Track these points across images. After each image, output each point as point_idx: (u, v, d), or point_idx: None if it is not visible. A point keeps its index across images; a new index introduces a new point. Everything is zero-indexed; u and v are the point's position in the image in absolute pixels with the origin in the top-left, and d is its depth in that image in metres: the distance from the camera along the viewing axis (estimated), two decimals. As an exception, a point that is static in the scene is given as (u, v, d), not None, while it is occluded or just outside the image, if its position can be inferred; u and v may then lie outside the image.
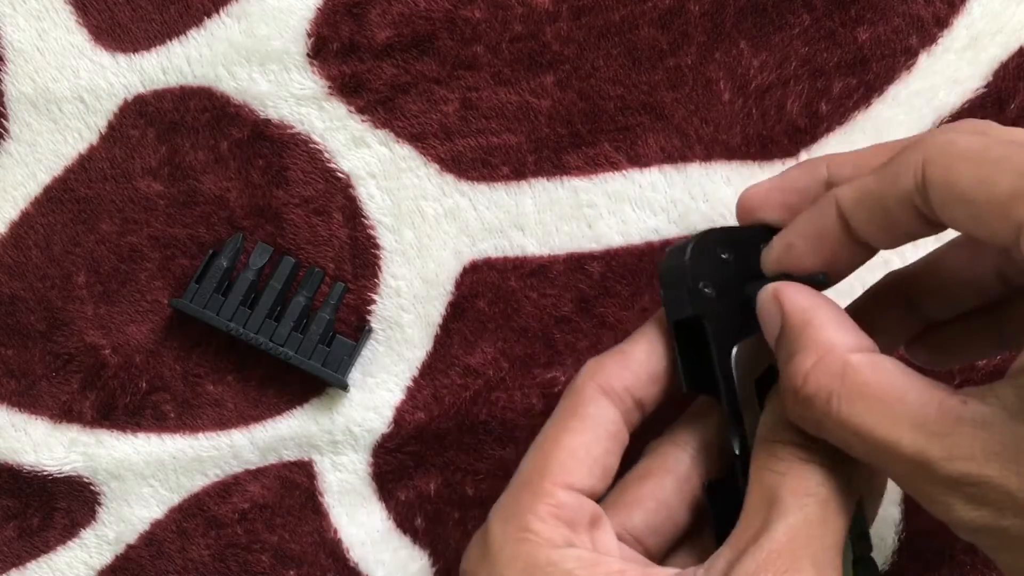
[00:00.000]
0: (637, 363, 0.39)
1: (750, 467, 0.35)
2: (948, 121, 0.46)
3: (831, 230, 0.35)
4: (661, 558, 0.39)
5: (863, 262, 0.36)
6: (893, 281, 0.40)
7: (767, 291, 0.36)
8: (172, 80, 0.48)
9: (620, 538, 0.37)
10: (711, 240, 0.38)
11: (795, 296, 0.35)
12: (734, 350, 0.37)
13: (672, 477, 0.38)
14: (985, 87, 0.46)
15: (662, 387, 0.39)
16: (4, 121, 0.48)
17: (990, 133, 0.32)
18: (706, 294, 0.37)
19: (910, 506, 0.46)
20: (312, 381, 0.47)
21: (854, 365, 0.32)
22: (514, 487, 0.37)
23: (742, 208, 0.39)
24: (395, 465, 0.47)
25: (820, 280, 0.36)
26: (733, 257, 0.38)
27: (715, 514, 0.37)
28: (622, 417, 0.38)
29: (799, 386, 0.33)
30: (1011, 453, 0.28)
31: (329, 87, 0.47)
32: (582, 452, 0.37)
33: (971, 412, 0.30)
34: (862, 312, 0.37)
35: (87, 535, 0.48)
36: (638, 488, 0.38)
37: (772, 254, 0.37)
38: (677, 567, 0.36)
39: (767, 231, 0.39)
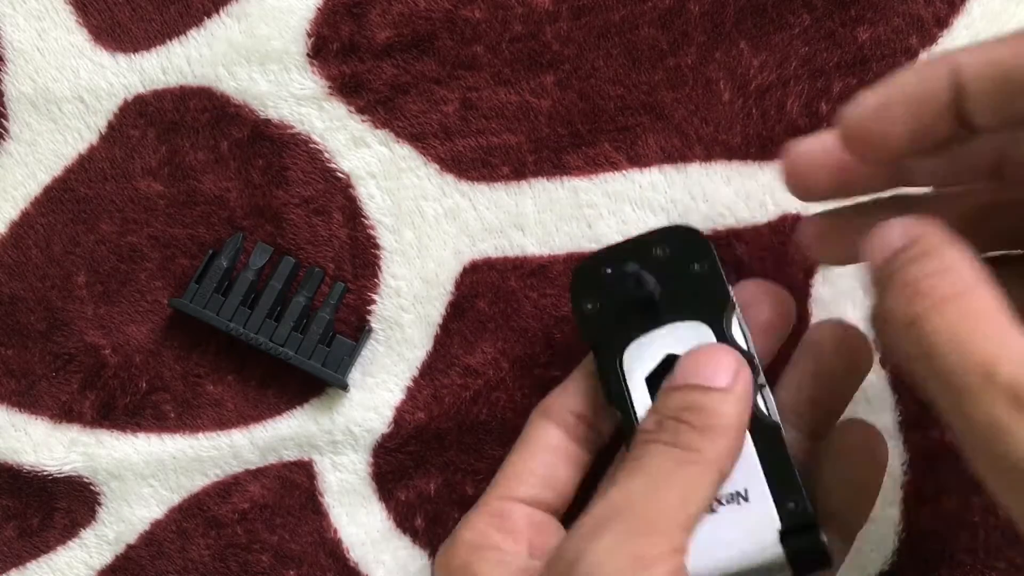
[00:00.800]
0: (574, 385, 0.42)
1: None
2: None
3: (939, 99, 0.31)
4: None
5: (944, 150, 0.33)
6: None
7: (894, 222, 0.32)
8: (172, 80, 0.48)
9: (530, 503, 0.41)
10: (593, 263, 0.41)
11: (931, 224, 0.31)
12: (625, 354, 0.40)
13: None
14: (985, 87, 0.46)
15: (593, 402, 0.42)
16: (4, 121, 0.48)
17: None
18: (588, 311, 0.41)
19: (910, 506, 0.45)
20: (312, 381, 0.47)
21: (983, 290, 0.30)
22: (470, 511, 0.42)
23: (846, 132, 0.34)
24: (395, 465, 0.47)
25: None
26: (613, 269, 0.41)
27: None
28: (566, 433, 0.41)
29: (920, 279, 0.30)
30: None
31: (329, 87, 0.47)
32: (519, 467, 0.41)
33: None
34: None
35: (87, 535, 0.48)
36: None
37: (856, 109, 0.33)
38: None
39: (657, 234, 0.41)
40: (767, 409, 0.38)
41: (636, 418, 0.39)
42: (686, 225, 0.41)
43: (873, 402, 0.45)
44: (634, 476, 0.35)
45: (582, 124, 0.46)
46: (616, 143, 0.46)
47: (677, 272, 0.40)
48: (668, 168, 0.46)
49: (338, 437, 0.47)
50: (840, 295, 0.45)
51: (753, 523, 0.36)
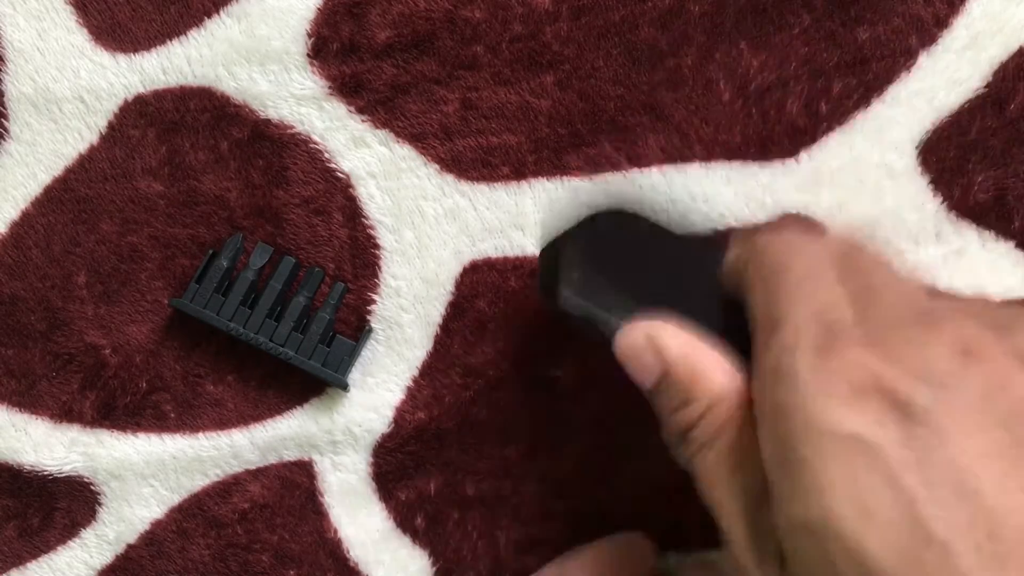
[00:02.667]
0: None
1: None
2: (948, 122, 0.46)
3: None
4: None
5: None
6: None
7: (637, 334, 0.36)
8: (172, 80, 0.48)
9: None
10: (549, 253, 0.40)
11: (673, 341, 0.36)
12: None
13: None
14: (985, 87, 0.46)
15: None
16: (4, 121, 0.48)
17: None
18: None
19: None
20: (312, 381, 0.47)
21: (735, 421, 0.33)
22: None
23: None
24: (395, 465, 0.47)
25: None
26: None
27: None
28: None
29: (689, 427, 0.34)
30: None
31: (329, 87, 0.47)
32: None
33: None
34: None
35: (87, 535, 0.48)
36: None
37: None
38: None
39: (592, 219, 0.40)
40: None
41: None
42: (606, 212, 0.40)
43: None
44: None
45: (582, 124, 0.46)
46: (616, 143, 0.46)
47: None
48: (668, 168, 0.46)
49: (338, 437, 0.47)
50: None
51: None
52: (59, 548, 0.48)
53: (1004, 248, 0.45)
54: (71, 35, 0.48)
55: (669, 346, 0.35)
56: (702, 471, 0.33)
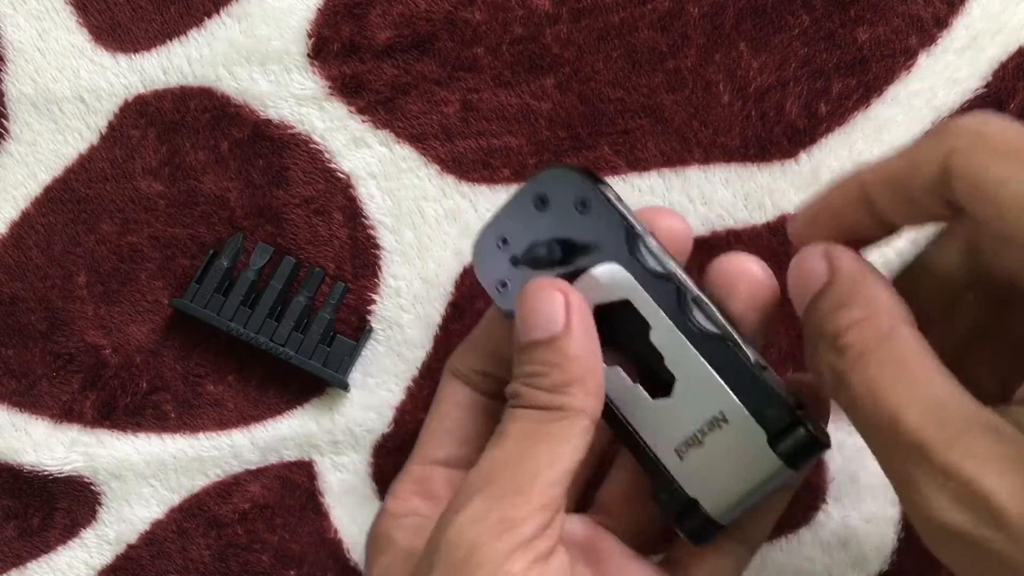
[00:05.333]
0: (476, 340, 0.42)
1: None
2: (947, 121, 0.46)
3: (855, 208, 0.34)
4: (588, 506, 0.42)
5: (886, 236, 0.35)
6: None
7: (812, 250, 0.35)
8: (172, 80, 0.48)
9: (454, 463, 0.41)
10: (486, 239, 0.39)
11: (848, 255, 0.34)
12: None
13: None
14: (984, 87, 0.46)
15: (507, 357, 0.39)
16: (5, 121, 0.48)
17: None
18: (501, 289, 0.39)
19: (909, 506, 0.46)
20: (312, 381, 0.47)
21: (901, 335, 0.31)
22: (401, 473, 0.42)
23: (796, 238, 0.37)
24: (396, 465, 0.47)
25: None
26: (511, 237, 0.39)
27: None
28: (473, 389, 0.41)
29: (841, 332, 0.32)
30: (1011, 465, 0.28)
31: (329, 87, 0.47)
32: (435, 428, 0.42)
33: (986, 417, 0.29)
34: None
35: (87, 535, 0.48)
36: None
37: (797, 224, 0.37)
38: None
39: (535, 185, 0.38)
40: (710, 322, 0.36)
41: None
42: (560, 167, 0.38)
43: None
44: (499, 444, 0.35)
45: (582, 127, 0.46)
46: (616, 146, 0.46)
47: (570, 220, 0.38)
48: (667, 172, 0.46)
49: (339, 437, 0.47)
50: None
51: (741, 441, 0.36)
52: (59, 548, 0.48)
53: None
54: (71, 35, 0.48)
55: (842, 256, 0.34)
56: (867, 376, 0.31)
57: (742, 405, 0.36)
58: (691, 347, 0.36)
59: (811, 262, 0.34)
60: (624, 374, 0.37)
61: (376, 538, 0.40)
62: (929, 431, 0.29)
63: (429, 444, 0.41)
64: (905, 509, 0.31)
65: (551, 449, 0.35)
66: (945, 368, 0.31)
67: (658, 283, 0.37)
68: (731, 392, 0.36)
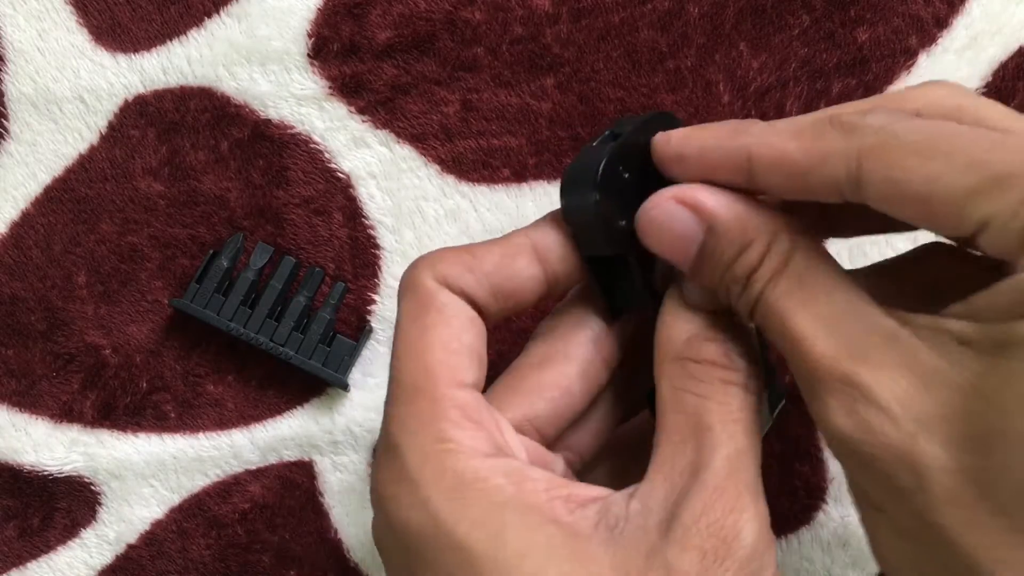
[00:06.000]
0: (487, 270, 0.34)
1: (659, 380, 0.33)
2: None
3: (731, 170, 0.32)
4: (553, 442, 0.36)
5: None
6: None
7: (662, 201, 0.33)
8: (172, 80, 0.48)
9: (520, 428, 0.35)
10: (615, 164, 0.34)
11: (711, 195, 0.32)
12: (656, 272, 0.35)
13: (575, 364, 0.35)
14: (984, 87, 0.46)
15: (523, 298, 0.35)
16: (5, 121, 0.48)
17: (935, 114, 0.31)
18: (622, 228, 0.34)
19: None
20: (312, 381, 0.47)
21: (798, 256, 0.31)
22: (402, 397, 0.33)
23: (659, 163, 0.35)
24: (395, 465, 0.47)
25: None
26: (631, 173, 0.34)
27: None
28: (477, 311, 0.34)
29: (748, 273, 0.31)
30: (902, 371, 0.28)
31: (329, 87, 0.47)
32: (455, 344, 0.33)
33: (885, 325, 0.29)
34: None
35: (87, 535, 0.48)
36: (539, 375, 0.35)
37: (669, 148, 0.34)
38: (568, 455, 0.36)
39: (661, 121, 0.35)
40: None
41: None
42: (667, 112, 0.36)
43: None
44: (736, 434, 0.32)
45: (582, 127, 0.46)
46: (616, 146, 0.46)
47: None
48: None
49: (339, 437, 0.47)
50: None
51: None
52: (59, 548, 0.48)
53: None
54: (71, 35, 0.48)
55: (705, 199, 0.32)
56: (772, 303, 0.31)
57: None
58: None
59: (677, 219, 0.32)
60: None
61: (468, 487, 0.31)
62: (827, 345, 0.29)
63: (453, 363, 0.33)
64: (818, 428, 0.31)
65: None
66: (847, 278, 0.31)
67: None
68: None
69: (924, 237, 0.32)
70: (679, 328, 0.34)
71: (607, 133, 0.35)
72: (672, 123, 0.35)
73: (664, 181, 0.34)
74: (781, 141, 0.31)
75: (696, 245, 0.32)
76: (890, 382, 0.28)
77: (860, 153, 0.30)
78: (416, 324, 0.33)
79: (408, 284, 0.34)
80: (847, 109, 0.32)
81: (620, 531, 0.30)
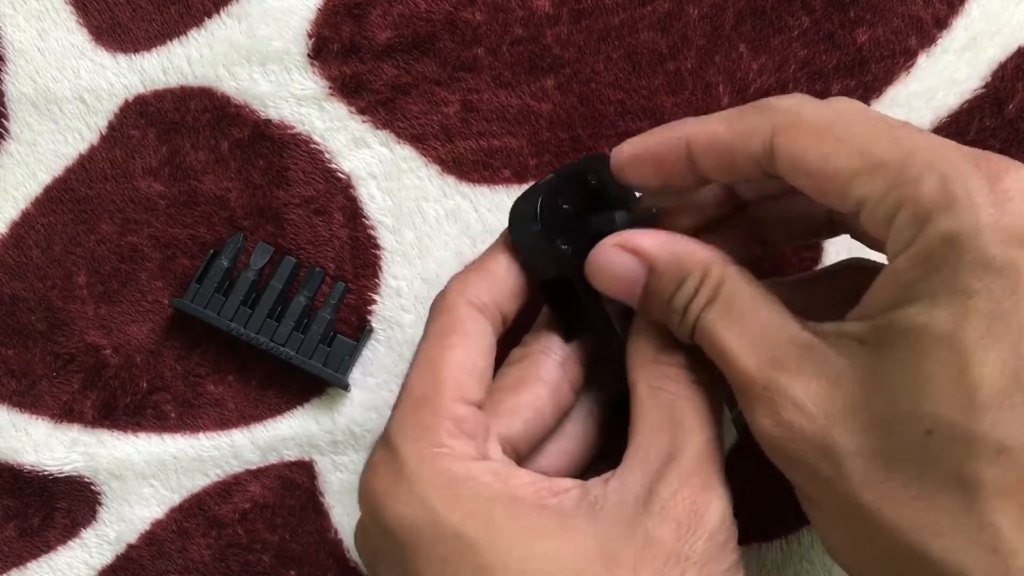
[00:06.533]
0: (500, 279, 0.39)
1: (636, 381, 0.37)
2: (947, 122, 0.46)
3: (676, 160, 0.37)
4: (524, 461, 0.40)
5: (700, 187, 0.39)
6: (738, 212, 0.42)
7: (607, 249, 0.37)
8: (173, 80, 0.48)
9: (480, 405, 0.38)
10: (553, 198, 0.38)
11: (647, 238, 0.37)
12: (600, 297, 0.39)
13: (545, 385, 0.39)
14: (984, 88, 0.46)
15: (522, 301, 0.40)
16: (5, 121, 0.48)
17: (838, 105, 0.35)
18: (563, 251, 0.38)
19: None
20: (313, 381, 0.47)
21: (728, 283, 0.35)
22: (409, 406, 0.36)
23: (618, 171, 0.39)
24: (395, 465, 0.47)
25: (655, 216, 0.38)
26: (572, 205, 0.39)
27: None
28: (494, 330, 0.39)
29: (685, 306, 0.36)
30: (815, 375, 0.32)
31: (330, 87, 0.47)
32: (469, 366, 0.37)
33: (803, 337, 0.33)
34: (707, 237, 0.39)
35: (88, 535, 0.48)
36: (516, 397, 0.39)
37: (623, 157, 0.39)
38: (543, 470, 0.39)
39: (596, 162, 0.40)
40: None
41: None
42: (604, 154, 0.40)
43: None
44: (704, 424, 0.36)
45: (582, 128, 0.46)
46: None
47: (613, 200, 0.40)
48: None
49: (339, 437, 0.47)
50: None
51: None
52: (59, 548, 0.48)
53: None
54: (71, 35, 0.48)
55: (644, 244, 0.37)
56: (706, 327, 0.35)
57: None
58: None
59: (621, 264, 0.37)
60: None
61: (460, 484, 0.34)
62: (750, 359, 0.34)
63: (462, 381, 0.37)
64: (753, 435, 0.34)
65: None
66: (770, 296, 0.35)
67: None
68: None
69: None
70: (654, 336, 0.38)
71: (551, 175, 0.40)
72: (606, 162, 0.39)
73: (601, 209, 0.39)
74: (712, 125, 0.36)
75: (640, 285, 0.37)
76: (804, 385, 0.32)
77: (774, 129, 0.34)
78: (441, 342, 0.38)
79: (442, 305, 0.39)
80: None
81: (600, 507, 0.34)
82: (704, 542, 0.33)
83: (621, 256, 0.37)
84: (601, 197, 0.40)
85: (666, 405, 0.36)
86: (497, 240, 0.40)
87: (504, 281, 0.39)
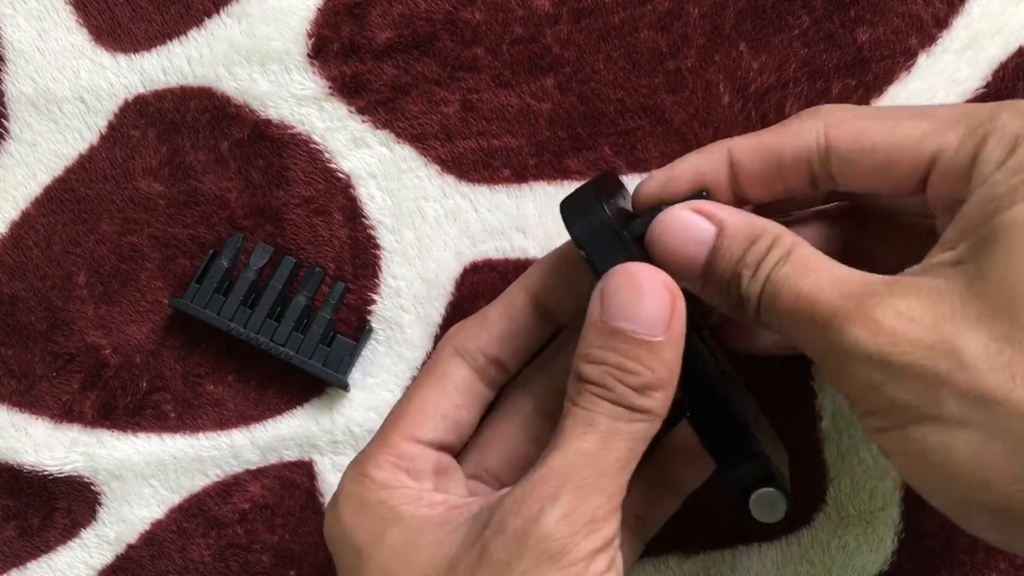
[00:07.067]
0: (489, 325, 0.41)
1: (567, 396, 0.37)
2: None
3: (716, 173, 0.38)
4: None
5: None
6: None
7: (679, 211, 0.37)
8: (172, 80, 0.48)
9: (478, 477, 0.42)
10: (603, 191, 0.39)
11: (718, 206, 0.37)
12: None
13: (518, 417, 0.42)
14: (984, 87, 0.46)
15: (521, 343, 0.41)
16: (5, 121, 0.48)
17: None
18: (627, 234, 0.38)
19: (910, 506, 0.46)
20: (312, 381, 0.47)
21: (800, 245, 0.35)
22: (371, 440, 0.41)
23: (643, 203, 0.40)
24: (395, 465, 0.47)
25: (703, 196, 0.38)
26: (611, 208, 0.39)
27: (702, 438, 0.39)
28: (477, 375, 0.41)
29: (758, 261, 0.35)
30: (910, 295, 0.32)
31: (329, 87, 0.47)
32: (430, 407, 0.40)
33: (884, 278, 0.33)
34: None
35: (87, 535, 0.48)
36: (491, 430, 0.42)
37: (651, 184, 0.39)
38: None
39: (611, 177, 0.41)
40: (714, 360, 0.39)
41: None
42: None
43: (872, 403, 0.46)
44: (585, 436, 0.36)
45: (582, 128, 0.46)
46: (616, 147, 0.46)
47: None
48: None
49: (339, 437, 0.47)
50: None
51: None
52: (59, 548, 0.48)
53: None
54: (71, 35, 0.48)
55: (716, 210, 0.37)
56: (780, 280, 0.34)
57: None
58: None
59: (692, 224, 0.37)
60: (708, 353, 0.39)
61: (370, 507, 0.38)
62: (838, 292, 0.33)
63: (418, 421, 0.40)
64: (831, 380, 0.35)
65: (630, 450, 0.36)
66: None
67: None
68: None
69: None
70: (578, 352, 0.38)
71: (591, 180, 0.40)
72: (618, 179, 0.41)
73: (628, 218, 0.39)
74: (754, 136, 0.38)
75: (708, 247, 0.36)
76: (904, 299, 0.32)
77: (826, 124, 0.36)
78: (416, 382, 0.42)
79: (435, 349, 0.42)
80: None
81: (469, 524, 0.36)
82: (532, 551, 0.34)
83: (693, 217, 0.37)
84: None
85: (564, 419, 0.37)
86: (508, 290, 0.42)
87: (494, 326, 0.41)
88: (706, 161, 0.39)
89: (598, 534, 0.34)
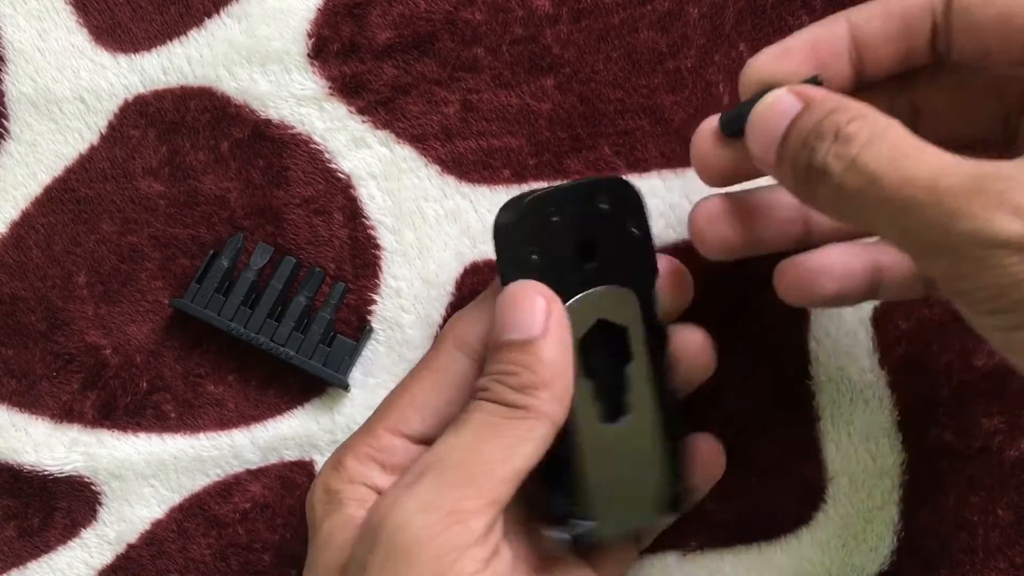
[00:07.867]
0: (489, 311, 0.40)
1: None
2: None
3: (835, 40, 0.37)
4: None
5: (850, 90, 0.37)
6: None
7: (777, 93, 0.35)
8: (172, 80, 0.48)
9: (423, 441, 0.40)
10: (541, 205, 0.39)
11: (814, 88, 0.35)
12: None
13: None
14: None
15: None
16: (5, 121, 0.48)
17: None
18: (533, 261, 0.39)
19: (909, 506, 0.46)
20: (313, 381, 0.47)
21: (896, 124, 0.32)
22: (360, 426, 0.42)
23: (751, 78, 0.38)
24: (395, 465, 0.47)
25: (817, 82, 0.36)
26: (561, 217, 0.39)
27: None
28: (476, 366, 0.40)
29: (843, 125, 0.32)
30: None
31: (330, 87, 0.47)
32: (420, 400, 0.41)
33: (993, 163, 0.30)
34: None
35: (88, 535, 0.48)
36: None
37: (761, 60, 0.38)
38: None
39: (611, 185, 0.40)
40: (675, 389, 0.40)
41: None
42: (622, 179, 0.40)
43: (871, 402, 0.46)
44: (457, 431, 0.37)
45: (582, 128, 0.46)
46: (616, 147, 0.46)
47: (614, 231, 0.40)
48: (667, 173, 0.46)
49: (339, 437, 0.47)
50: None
51: (648, 486, 0.40)
52: (59, 548, 0.48)
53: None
54: (71, 35, 0.48)
55: (811, 91, 0.35)
56: (874, 161, 0.31)
57: (664, 463, 0.40)
58: (654, 397, 0.39)
59: (782, 99, 0.35)
60: (587, 389, 0.39)
61: (328, 493, 0.40)
62: (956, 173, 0.30)
63: (405, 415, 0.41)
64: (949, 276, 0.31)
65: (508, 446, 0.36)
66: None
67: (653, 330, 0.40)
68: (660, 450, 0.40)
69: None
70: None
71: (558, 184, 0.42)
72: (623, 187, 0.40)
73: (607, 234, 0.40)
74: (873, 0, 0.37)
75: (793, 114, 0.34)
76: None
77: None
78: (411, 374, 0.42)
79: (435, 339, 0.43)
80: None
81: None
82: (383, 547, 0.35)
83: (786, 95, 0.35)
84: (607, 221, 0.40)
85: (455, 425, 0.38)
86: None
87: (492, 314, 0.40)
88: (824, 32, 0.37)
89: (462, 527, 0.34)
